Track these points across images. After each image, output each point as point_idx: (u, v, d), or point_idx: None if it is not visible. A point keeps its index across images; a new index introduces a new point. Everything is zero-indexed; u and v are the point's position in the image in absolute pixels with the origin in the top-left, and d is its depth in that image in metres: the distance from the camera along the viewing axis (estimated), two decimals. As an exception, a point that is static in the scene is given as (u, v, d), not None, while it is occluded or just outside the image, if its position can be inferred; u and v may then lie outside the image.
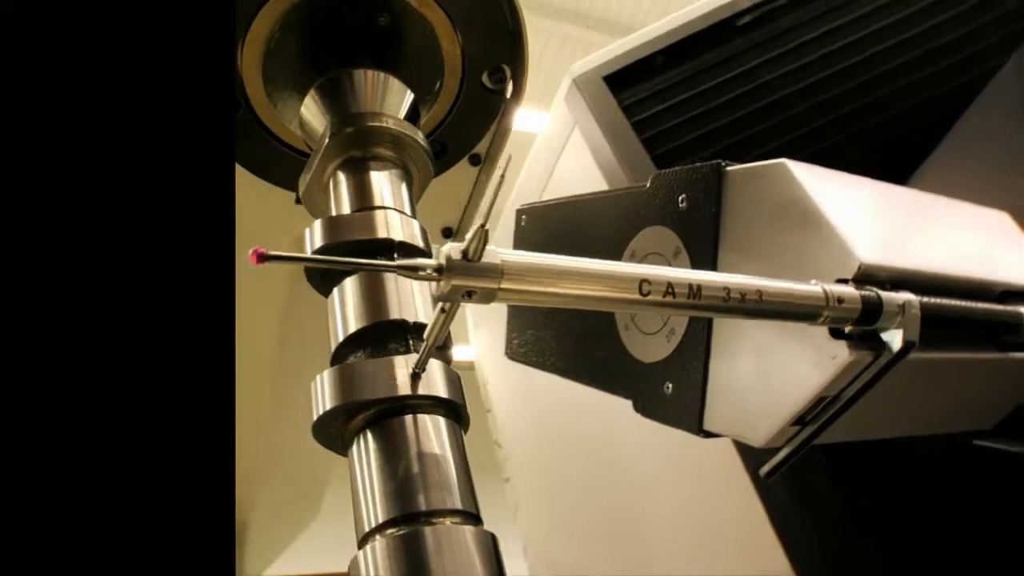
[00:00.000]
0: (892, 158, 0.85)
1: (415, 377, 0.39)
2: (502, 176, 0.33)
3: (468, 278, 0.31)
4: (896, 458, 0.79)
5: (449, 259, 0.31)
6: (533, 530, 1.41)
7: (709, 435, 0.54)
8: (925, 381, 0.52)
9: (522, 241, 0.75)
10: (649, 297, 0.36)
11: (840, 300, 0.42)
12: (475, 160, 0.65)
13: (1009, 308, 0.52)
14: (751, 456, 0.89)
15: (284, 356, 0.96)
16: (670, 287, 0.36)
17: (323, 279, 0.45)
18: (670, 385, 0.57)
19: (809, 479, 0.86)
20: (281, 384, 1.05)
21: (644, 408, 0.60)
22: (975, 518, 0.77)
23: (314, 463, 1.25)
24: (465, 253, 0.32)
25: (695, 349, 0.54)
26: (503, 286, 0.32)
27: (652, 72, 1.16)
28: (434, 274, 0.32)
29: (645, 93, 1.15)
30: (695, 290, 0.37)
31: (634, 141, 1.11)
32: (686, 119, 1.10)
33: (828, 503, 0.84)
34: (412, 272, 0.32)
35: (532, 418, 1.32)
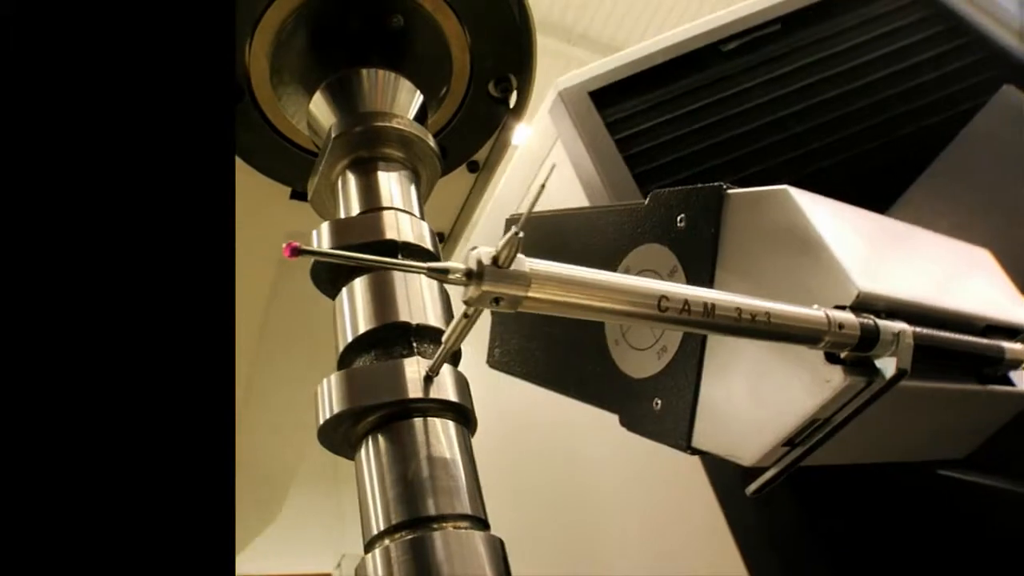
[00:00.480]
0: (871, 189, 0.87)
1: (428, 380, 0.39)
2: (543, 186, 0.34)
3: (498, 284, 0.32)
4: (860, 482, 0.81)
5: (480, 264, 0.31)
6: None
7: (697, 452, 0.55)
8: (909, 409, 0.53)
9: (512, 250, 0.76)
10: (667, 313, 0.36)
11: (841, 326, 0.43)
12: (473, 167, 0.65)
13: (992, 342, 0.53)
14: (716, 473, 0.90)
15: (258, 355, 0.94)
16: (687, 304, 0.37)
17: (330, 281, 0.45)
18: (659, 401, 0.57)
19: (773, 499, 0.87)
20: (247, 385, 1.03)
21: (630, 423, 0.61)
22: (936, 546, 0.78)
23: (275, 465, 1.23)
24: (496, 259, 0.32)
25: (687, 367, 0.55)
26: (530, 294, 0.33)
27: (638, 91, 1.17)
28: (463, 278, 0.32)
29: (629, 111, 1.16)
30: (709, 308, 0.38)
31: (616, 158, 1.12)
32: (669, 139, 1.11)
33: (792, 523, 0.85)
34: (442, 275, 0.32)
35: (497, 429, 1.32)
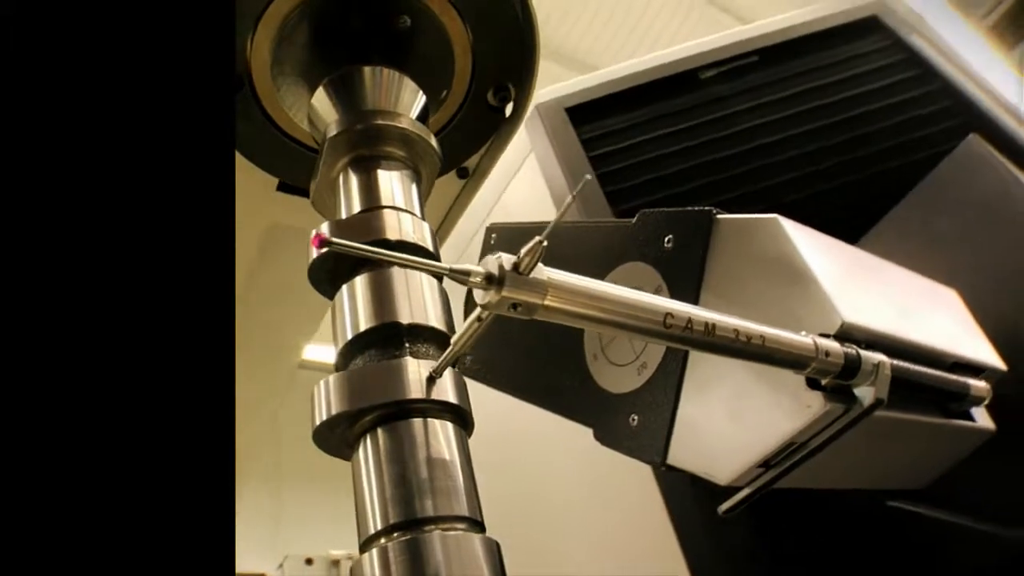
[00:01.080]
0: (838, 223, 0.90)
1: (431, 381, 0.39)
2: (573, 197, 0.34)
3: (517, 291, 0.32)
4: (812, 509, 0.83)
5: (502, 269, 0.32)
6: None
7: (672, 469, 0.56)
8: (879, 438, 0.55)
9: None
10: (671, 330, 0.37)
11: (827, 353, 0.44)
12: (462, 173, 0.65)
13: (958, 378, 0.55)
14: (671, 493, 0.91)
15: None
16: (690, 323, 0.37)
17: (329, 281, 0.44)
18: (636, 417, 0.58)
19: (725, 521, 0.88)
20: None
21: (604, 438, 0.61)
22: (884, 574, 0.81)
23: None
24: (516, 266, 0.32)
25: (667, 384, 0.56)
26: (546, 303, 0.33)
27: (615, 110, 1.18)
28: (483, 282, 0.32)
29: (606, 130, 1.17)
30: (710, 328, 0.38)
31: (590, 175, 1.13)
32: (643, 160, 1.12)
33: (742, 545, 0.86)
34: (463, 277, 0.32)
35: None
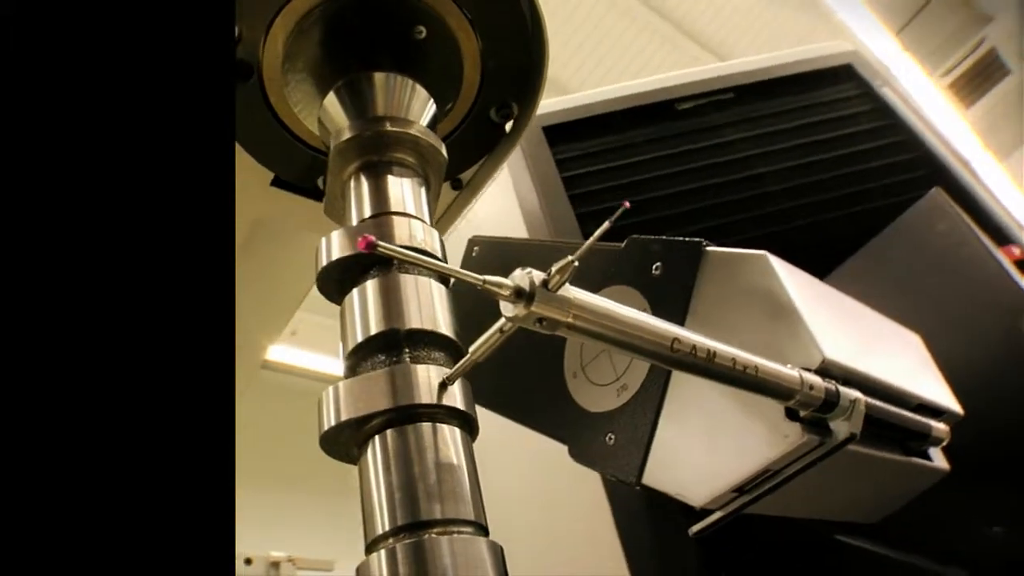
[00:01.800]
0: (805, 263, 0.93)
1: (443, 387, 0.40)
2: (610, 222, 0.35)
3: (546, 307, 0.33)
4: (760, 536, 0.85)
5: (532, 285, 0.33)
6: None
7: (646, 489, 0.57)
8: (846, 471, 0.57)
9: (472, 271, 0.77)
10: (676, 355, 0.38)
11: (811, 387, 0.47)
12: (457, 184, 0.66)
13: (922, 419, 0.58)
14: (622, 516, 0.93)
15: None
16: (694, 349, 0.39)
17: (338, 290, 0.44)
18: (612, 436, 0.59)
19: (676, 547, 0.90)
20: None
21: (579, 455, 0.62)
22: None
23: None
24: (546, 282, 0.33)
25: (647, 406, 0.57)
26: (569, 320, 0.34)
27: (592, 133, 1.21)
28: (511, 296, 0.33)
29: (581, 152, 1.19)
30: (711, 355, 0.40)
31: (562, 195, 1.14)
32: (615, 185, 1.14)
33: (690, 571, 0.88)
34: (495, 289, 0.33)
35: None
